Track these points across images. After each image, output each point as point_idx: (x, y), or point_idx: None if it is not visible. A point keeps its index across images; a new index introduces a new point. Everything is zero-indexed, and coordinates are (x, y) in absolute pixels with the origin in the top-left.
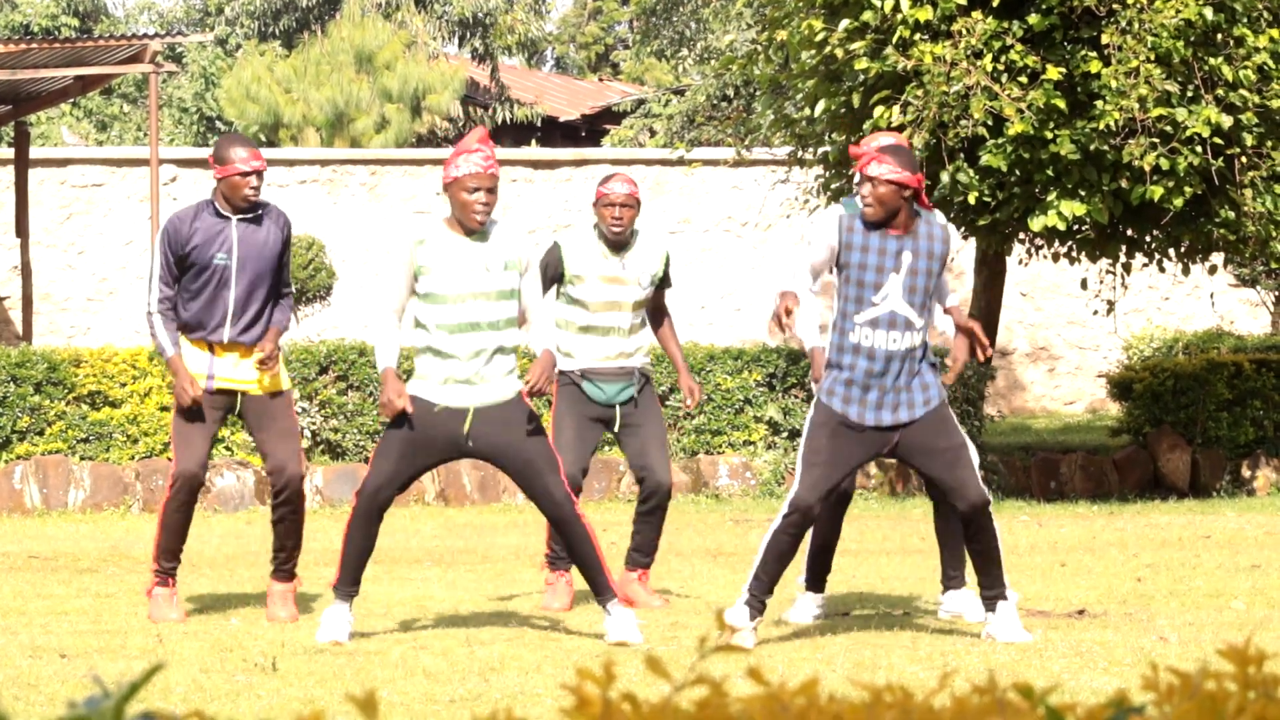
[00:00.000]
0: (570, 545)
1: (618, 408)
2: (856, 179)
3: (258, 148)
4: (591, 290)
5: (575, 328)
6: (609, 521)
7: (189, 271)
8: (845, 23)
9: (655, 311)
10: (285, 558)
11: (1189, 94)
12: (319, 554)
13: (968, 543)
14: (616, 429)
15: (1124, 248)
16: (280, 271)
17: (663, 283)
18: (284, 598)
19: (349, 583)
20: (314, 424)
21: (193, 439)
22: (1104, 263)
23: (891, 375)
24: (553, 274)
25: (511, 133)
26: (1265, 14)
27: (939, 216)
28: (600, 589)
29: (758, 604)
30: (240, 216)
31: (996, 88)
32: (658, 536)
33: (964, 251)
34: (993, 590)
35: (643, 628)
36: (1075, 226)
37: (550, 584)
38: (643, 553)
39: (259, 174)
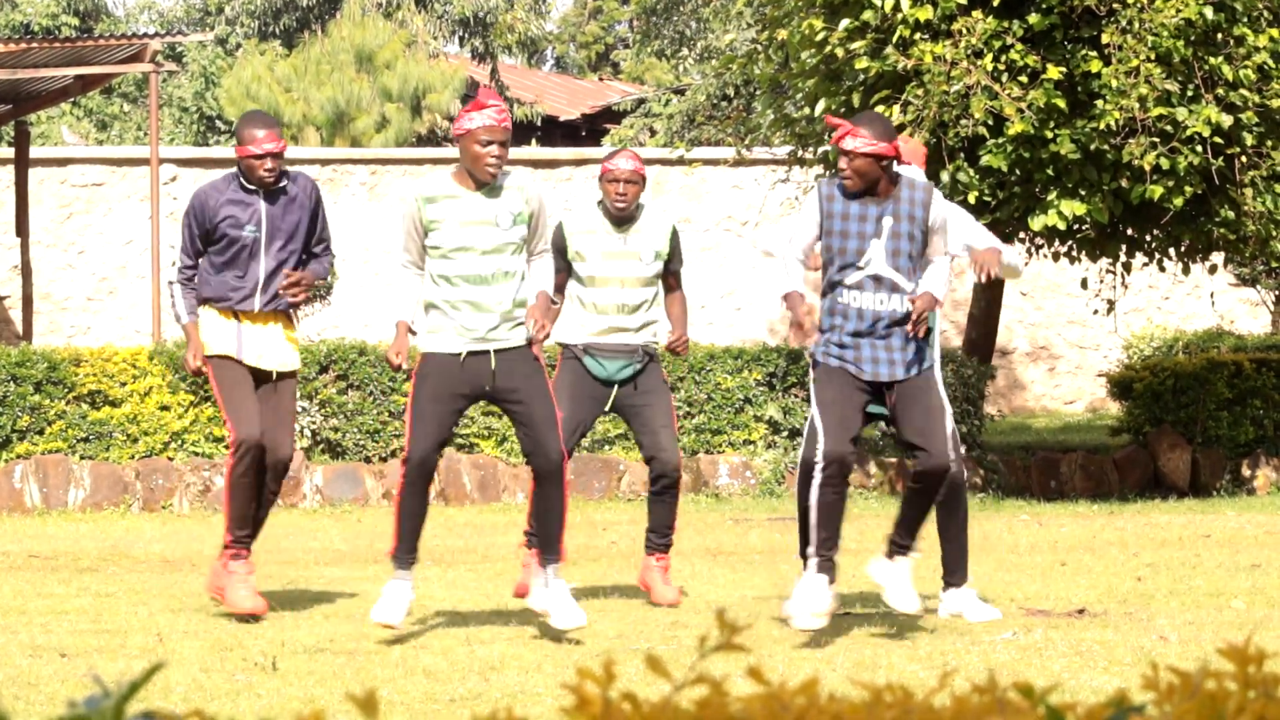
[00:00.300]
0: (543, 500)
1: (616, 386)
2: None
3: (277, 126)
4: (594, 266)
5: (580, 303)
6: (609, 521)
7: (218, 244)
8: (845, 22)
9: (668, 292)
10: (254, 531)
11: (1189, 93)
12: (319, 553)
13: (909, 498)
14: (609, 407)
15: (1124, 247)
16: (310, 237)
17: (671, 260)
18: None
19: (408, 550)
20: (314, 423)
21: (243, 404)
22: (1104, 262)
23: (880, 333)
24: (558, 254)
25: (511, 132)
26: (1265, 13)
27: (919, 177)
28: (549, 548)
29: (830, 563)
30: (267, 190)
31: (997, 87)
32: (673, 517)
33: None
34: (903, 542)
35: (643, 627)
36: (1075, 226)
37: (526, 565)
38: (659, 533)
39: (274, 156)
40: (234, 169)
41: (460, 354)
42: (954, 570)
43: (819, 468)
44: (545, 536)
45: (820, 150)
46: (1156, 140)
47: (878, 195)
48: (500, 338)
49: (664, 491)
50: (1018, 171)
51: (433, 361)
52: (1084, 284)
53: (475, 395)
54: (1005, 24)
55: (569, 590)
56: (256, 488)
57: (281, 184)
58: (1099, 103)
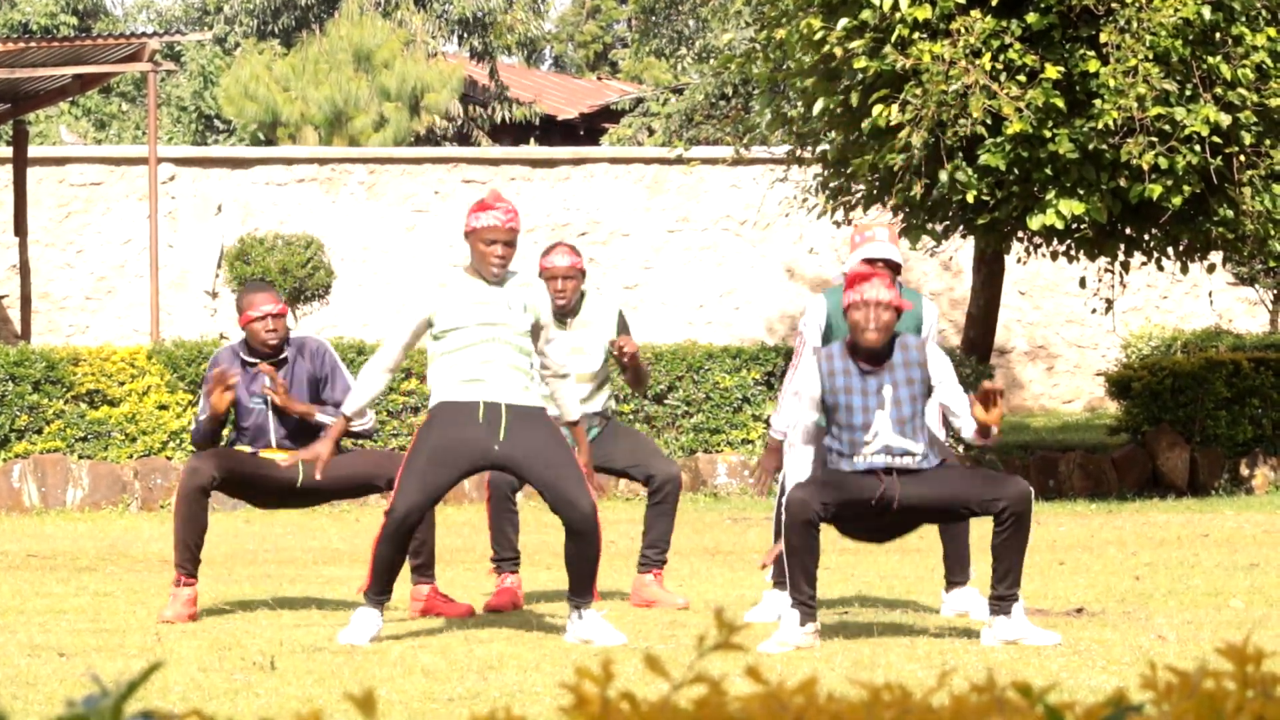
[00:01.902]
0: (579, 550)
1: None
2: (847, 298)
3: (275, 291)
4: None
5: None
6: (608, 520)
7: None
8: (844, 21)
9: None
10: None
11: (1187, 93)
12: (318, 553)
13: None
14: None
15: (1122, 246)
16: (323, 393)
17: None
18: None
19: (378, 591)
20: None
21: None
22: (1102, 261)
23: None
24: None
25: (510, 131)
26: (1263, 12)
27: (911, 337)
28: (582, 590)
29: (805, 606)
30: (270, 360)
31: (995, 86)
32: (670, 531)
33: (963, 250)
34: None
35: (641, 627)
36: (1074, 225)
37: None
38: (657, 549)
39: (275, 317)
40: (240, 340)
41: (477, 402)
42: (957, 570)
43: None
44: (578, 579)
45: (818, 149)
46: (1155, 139)
47: (876, 362)
48: (510, 392)
49: (664, 500)
50: (1016, 171)
51: (444, 411)
52: (1082, 283)
53: (475, 463)
54: (1003, 23)
55: (600, 616)
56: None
57: (284, 354)
58: (1097, 102)
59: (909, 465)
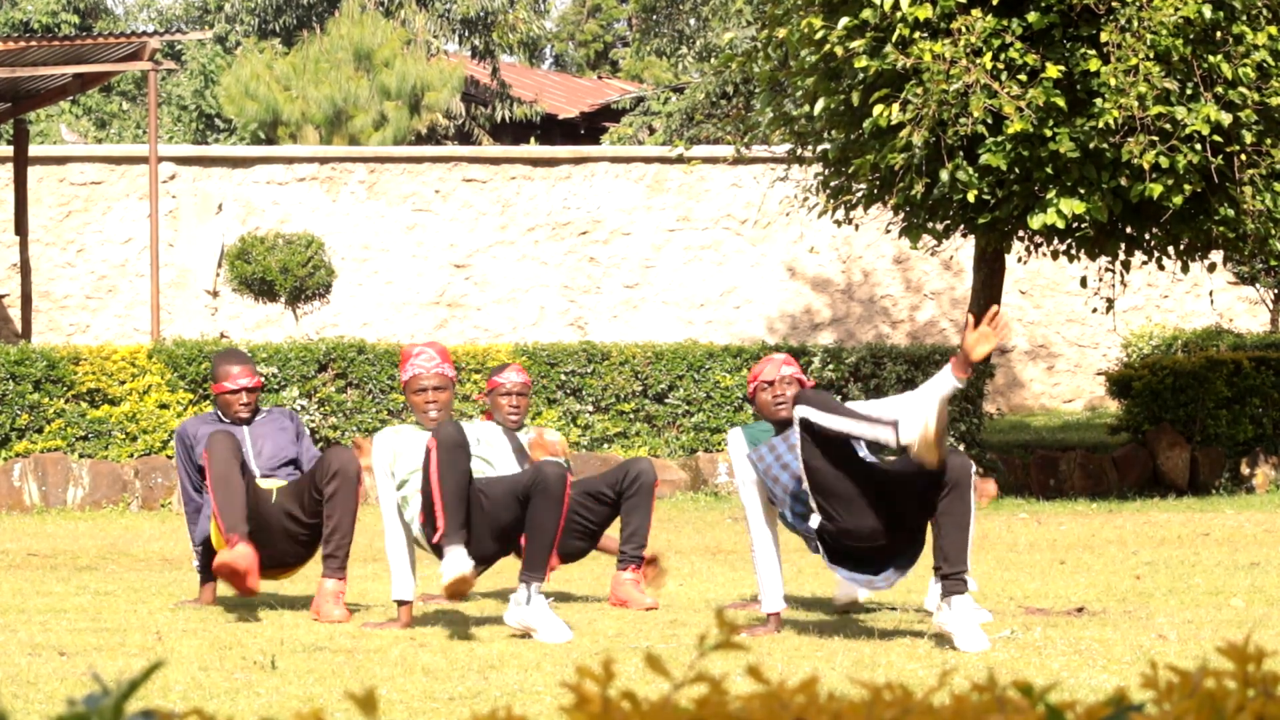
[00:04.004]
0: (538, 511)
1: None
2: (753, 389)
3: (251, 362)
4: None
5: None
6: None
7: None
8: (845, 20)
9: None
10: None
11: (1188, 92)
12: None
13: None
14: None
15: (1123, 245)
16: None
17: None
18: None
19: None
20: (312, 421)
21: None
22: (1103, 260)
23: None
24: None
25: (511, 130)
26: (1264, 11)
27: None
28: (533, 566)
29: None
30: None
31: (996, 86)
32: (648, 524)
33: (963, 249)
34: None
35: (642, 626)
36: (1074, 224)
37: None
38: (634, 544)
39: (249, 390)
40: (211, 410)
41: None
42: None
43: None
44: (533, 549)
45: (819, 149)
46: (1155, 139)
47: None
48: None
49: (639, 493)
50: (1017, 170)
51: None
52: (1083, 282)
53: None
54: (1004, 22)
55: (547, 604)
56: None
57: (254, 420)
58: (1098, 101)
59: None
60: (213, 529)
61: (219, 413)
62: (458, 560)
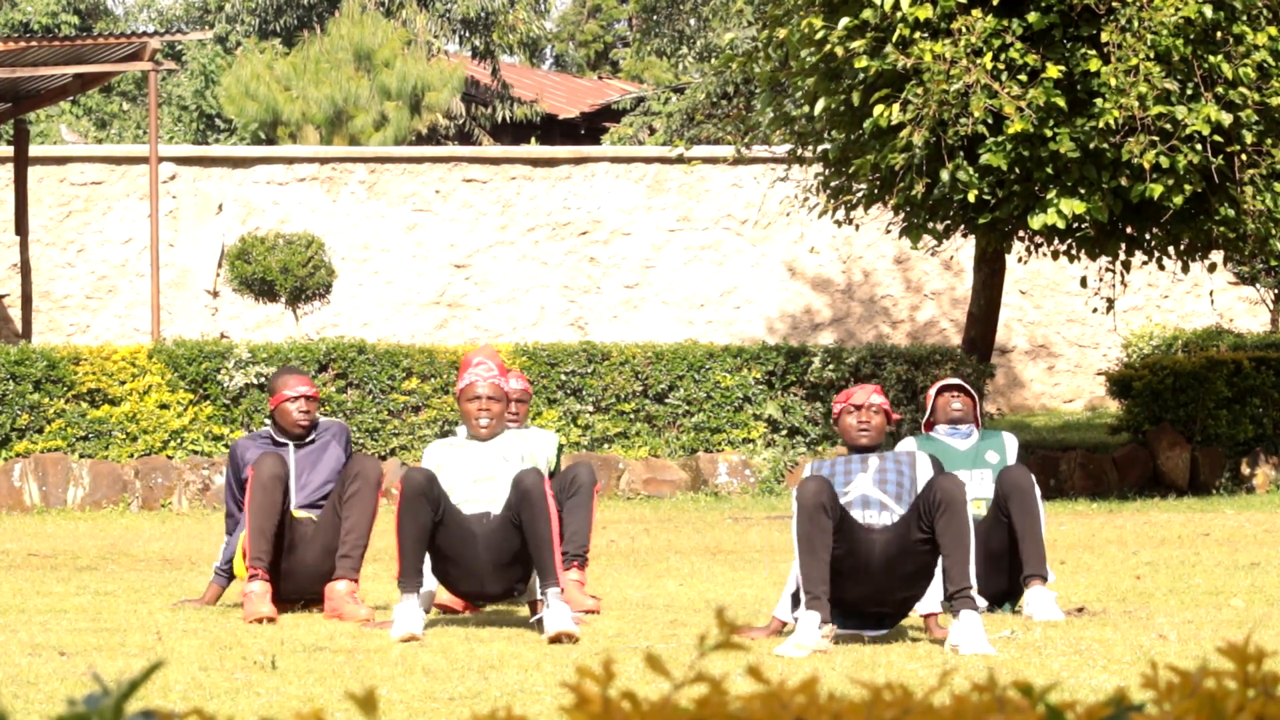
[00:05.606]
0: (528, 521)
1: None
2: (839, 410)
3: (307, 376)
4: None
5: None
6: (608, 520)
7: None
8: (845, 21)
9: None
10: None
11: (1188, 92)
12: None
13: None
14: None
15: (1123, 245)
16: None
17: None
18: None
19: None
20: None
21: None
22: (1103, 260)
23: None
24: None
25: (511, 130)
26: (1265, 11)
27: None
28: (543, 574)
29: (817, 600)
30: (297, 444)
31: (996, 86)
32: (589, 525)
33: (964, 249)
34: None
35: (642, 626)
36: (1075, 224)
37: None
38: (575, 544)
39: (309, 399)
40: (266, 426)
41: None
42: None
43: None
44: (537, 561)
45: (820, 149)
46: (1156, 139)
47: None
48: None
49: (578, 493)
50: (1017, 170)
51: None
52: (1083, 282)
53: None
54: (1005, 22)
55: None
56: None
57: (312, 437)
58: (1098, 101)
59: (882, 524)
60: (238, 553)
61: (273, 431)
62: (408, 617)
